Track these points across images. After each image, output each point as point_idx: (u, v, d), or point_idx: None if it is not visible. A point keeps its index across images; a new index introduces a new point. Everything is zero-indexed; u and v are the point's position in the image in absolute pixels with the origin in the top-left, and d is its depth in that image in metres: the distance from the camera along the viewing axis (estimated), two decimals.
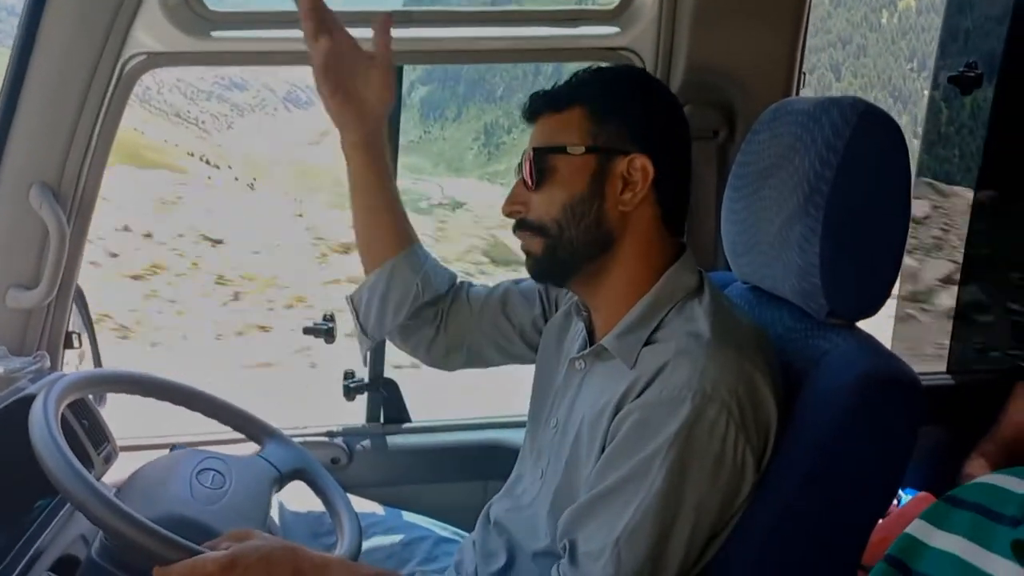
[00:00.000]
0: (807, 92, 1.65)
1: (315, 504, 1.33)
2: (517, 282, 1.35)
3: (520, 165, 1.12)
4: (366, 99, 1.20)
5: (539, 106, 1.11)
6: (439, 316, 1.33)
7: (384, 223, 1.30)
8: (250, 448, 1.35)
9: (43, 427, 1.01)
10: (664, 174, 1.07)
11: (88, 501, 0.96)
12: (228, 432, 1.35)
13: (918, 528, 0.75)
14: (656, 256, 1.09)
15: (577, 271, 1.10)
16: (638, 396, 0.99)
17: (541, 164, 1.08)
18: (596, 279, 1.10)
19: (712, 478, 0.96)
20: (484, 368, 1.39)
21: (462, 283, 1.37)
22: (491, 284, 1.38)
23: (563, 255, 1.09)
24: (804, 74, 1.60)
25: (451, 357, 1.36)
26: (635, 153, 1.06)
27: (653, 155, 1.06)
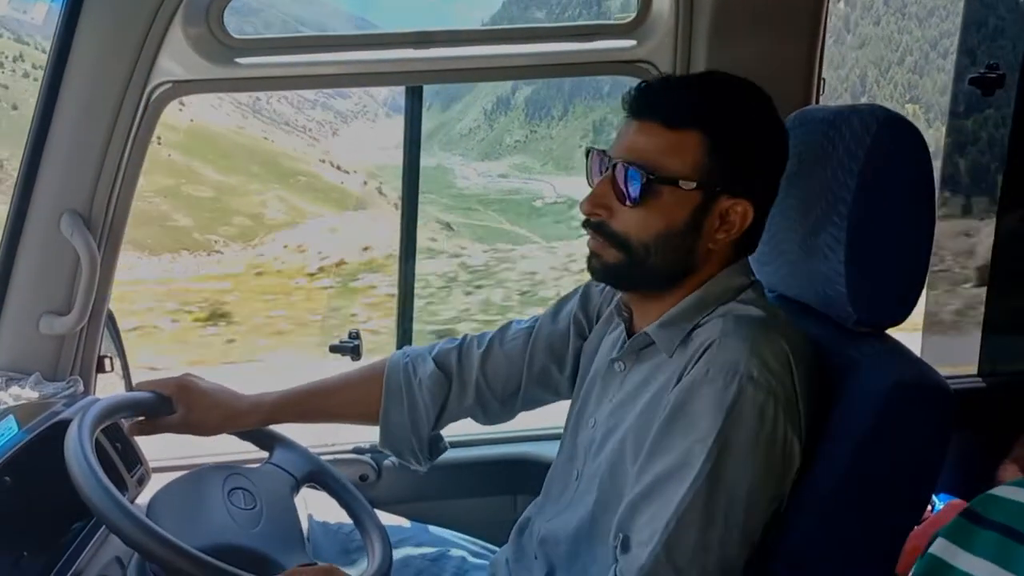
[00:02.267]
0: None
1: (344, 518, 1.34)
2: (555, 312, 1.32)
3: (610, 163, 1.04)
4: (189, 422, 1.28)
5: (650, 112, 1.02)
6: (475, 388, 1.32)
7: (343, 403, 1.35)
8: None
9: (79, 453, 1.03)
10: (758, 217, 1.05)
11: (129, 528, 0.97)
12: (252, 449, 1.36)
13: (942, 549, 0.75)
14: (711, 271, 1.08)
15: (643, 289, 1.09)
16: (682, 376, 0.99)
17: (644, 185, 1.01)
18: (655, 295, 1.09)
19: (763, 461, 0.96)
20: (538, 408, 1.38)
21: (479, 339, 1.34)
22: (520, 320, 1.36)
23: (638, 275, 1.06)
24: (823, 81, 1.60)
25: (506, 409, 1.34)
26: (740, 197, 1.02)
27: (755, 200, 1.03)
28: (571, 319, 1.29)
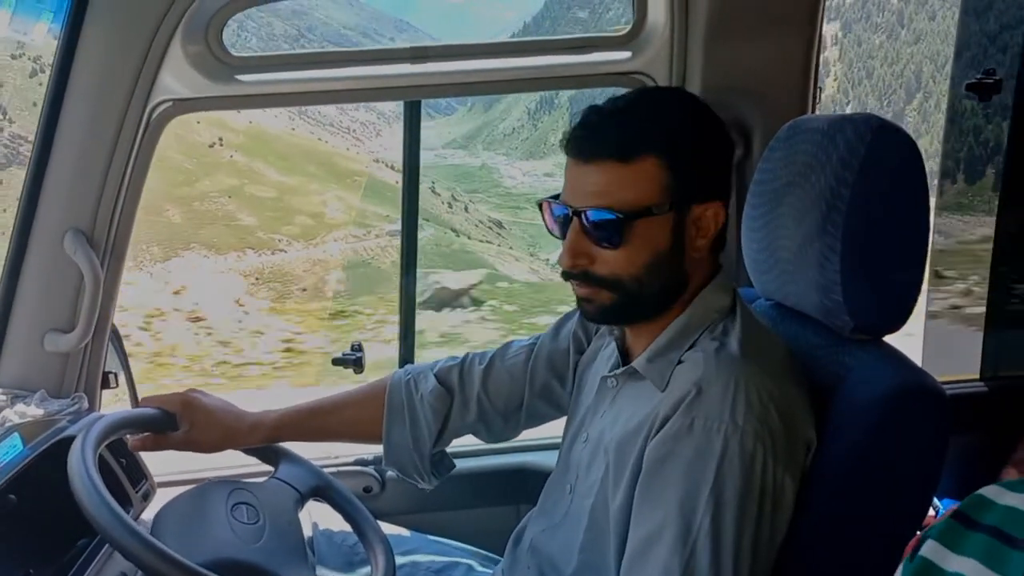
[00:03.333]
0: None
1: (348, 530, 1.35)
2: (556, 330, 1.32)
3: (572, 210, 1.02)
4: (193, 440, 1.29)
5: (600, 150, 1.00)
6: (477, 404, 1.32)
7: (345, 422, 1.36)
8: None
9: (82, 470, 1.03)
10: (727, 211, 1.06)
11: (132, 546, 0.98)
12: (258, 463, 1.37)
13: (933, 551, 0.75)
14: (704, 280, 1.08)
15: (644, 318, 1.08)
16: (665, 422, 0.98)
17: (620, 225, 0.99)
18: (654, 317, 1.08)
19: (757, 510, 0.95)
20: (543, 424, 1.38)
21: (481, 356, 1.35)
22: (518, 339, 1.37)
23: (635, 308, 1.05)
24: (820, 90, 1.60)
25: (509, 426, 1.35)
26: (708, 201, 1.03)
27: (723, 197, 1.04)
28: (571, 336, 1.30)
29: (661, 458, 0.97)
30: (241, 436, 1.31)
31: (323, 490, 1.32)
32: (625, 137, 1.00)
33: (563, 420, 1.30)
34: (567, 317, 1.32)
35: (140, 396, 1.70)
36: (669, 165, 1.00)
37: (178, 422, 1.28)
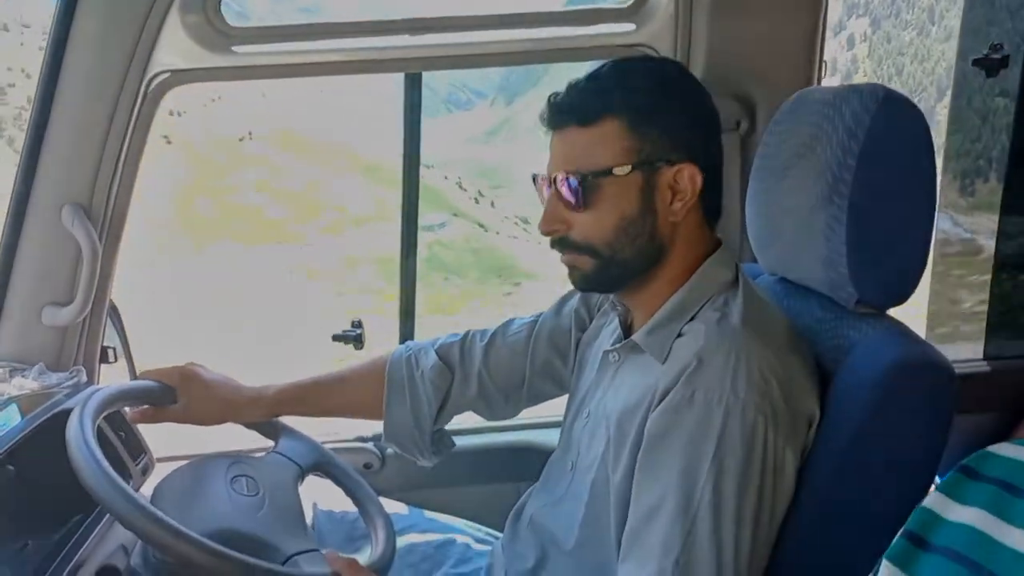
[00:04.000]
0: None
1: (349, 506, 1.35)
2: (559, 307, 1.32)
3: (550, 179, 1.05)
4: (193, 410, 1.29)
5: (564, 118, 1.03)
6: (477, 380, 1.32)
7: (345, 398, 1.35)
8: None
9: (80, 440, 1.03)
10: (708, 176, 1.04)
11: (129, 513, 0.97)
12: (258, 438, 1.36)
13: (936, 501, 0.74)
14: (697, 252, 1.07)
15: (628, 283, 1.08)
16: (666, 395, 0.97)
17: (584, 186, 1.02)
18: (643, 284, 1.08)
19: (758, 482, 0.94)
20: (545, 402, 1.38)
21: (482, 333, 1.34)
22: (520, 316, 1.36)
23: (616, 273, 1.06)
24: (825, 63, 1.59)
25: (510, 403, 1.35)
26: (680, 162, 1.02)
27: (698, 160, 1.03)
28: (573, 314, 1.29)
29: (662, 430, 0.97)
30: (240, 410, 1.31)
31: (323, 465, 1.32)
32: (586, 102, 1.02)
33: (565, 399, 1.29)
34: (570, 294, 1.32)
35: (138, 371, 1.70)
36: (630, 125, 1.01)
37: (177, 395, 1.27)
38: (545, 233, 1.07)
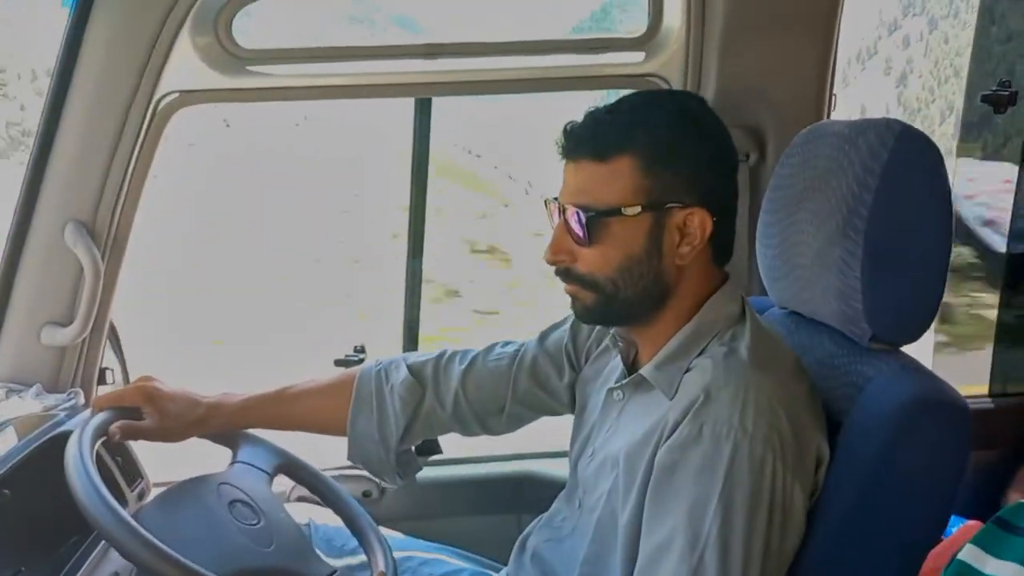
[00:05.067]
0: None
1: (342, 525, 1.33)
2: (543, 339, 1.30)
3: (560, 208, 1.04)
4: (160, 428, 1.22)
5: (580, 150, 1.02)
6: (453, 403, 1.29)
7: (310, 410, 1.31)
8: None
9: (79, 465, 1.01)
10: (720, 220, 1.03)
11: (128, 542, 0.95)
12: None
13: (971, 555, 0.73)
14: (704, 289, 1.06)
15: (630, 322, 1.07)
16: (675, 428, 0.96)
17: (591, 223, 1.01)
18: (648, 321, 1.07)
19: (767, 517, 0.93)
20: (524, 426, 1.35)
21: (461, 355, 1.31)
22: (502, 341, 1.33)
23: (618, 310, 1.05)
24: (835, 96, 1.59)
25: (487, 427, 1.32)
26: (692, 206, 1.00)
27: (709, 205, 1.01)
28: (563, 350, 1.27)
29: (670, 466, 0.95)
30: (207, 421, 1.26)
31: (286, 467, 1.30)
32: (604, 137, 1.01)
33: (564, 423, 1.28)
34: (555, 327, 1.30)
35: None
36: (645, 166, 1.00)
37: (144, 415, 1.22)
38: (550, 262, 1.06)
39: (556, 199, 1.07)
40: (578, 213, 1.01)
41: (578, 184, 1.03)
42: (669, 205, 1.00)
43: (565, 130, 1.04)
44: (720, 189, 1.04)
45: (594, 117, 1.03)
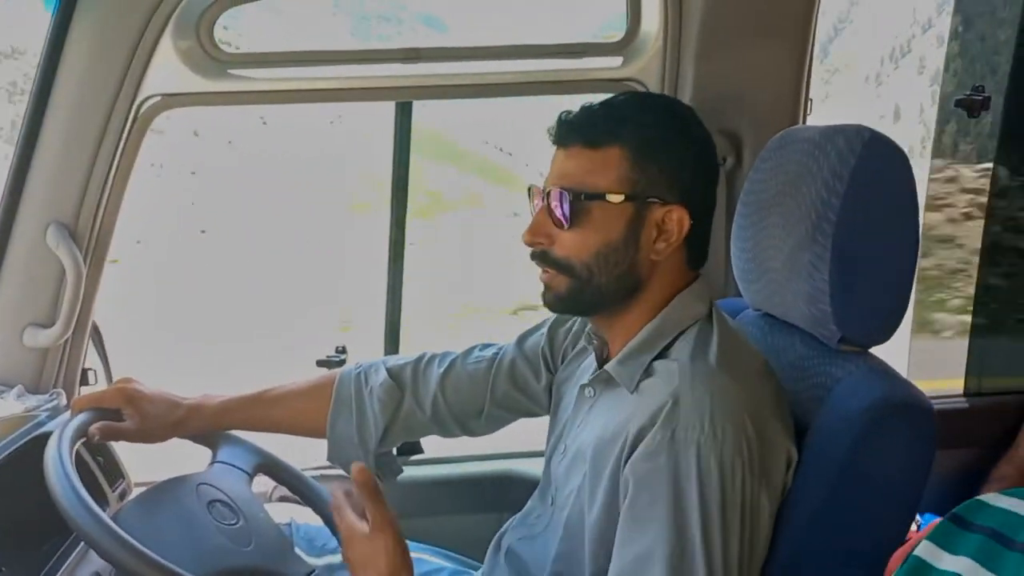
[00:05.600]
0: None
1: (323, 525, 1.35)
2: (521, 342, 1.32)
3: (544, 192, 1.06)
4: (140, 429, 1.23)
5: (572, 136, 1.05)
6: (432, 405, 1.30)
7: (290, 412, 1.32)
8: None
9: (58, 467, 1.02)
10: (696, 222, 1.05)
11: (104, 542, 0.96)
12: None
13: (926, 551, 0.75)
14: (674, 287, 1.08)
15: (599, 311, 1.09)
16: (644, 435, 0.97)
17: (575, 205, 1.03)
18: (615, 315, 1.09)
19: (739, 523, 0.94)
20: (502, 427, 1.36)
21: (440, 358, 1.32)
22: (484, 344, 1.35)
23: (589, 298, 1.06)
24: (811, 100, 1.61)
25: (467, 429, 1.34)
26: (672, 204, 1.03)
27: (689, 205, 1.04)
28: (539, 353, 1.29)
29: (644, 476, 0.96)
30: (186, 423, 1.27)
31: (266, 467, 1.31)
32: (597, 126, 1.04)
33: (545, 423, 1.29)
34: (533, 330, 1.32)
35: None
36: (633, 159, 1.02)
37: (124, 416, 1.23)
38: (528, 243, 1.08)
39: (538, 187, 1.09)
40: (563, 194, 1.03)
41: (566, 169, 1.05)
42: (651, 199, 1.03)
43: (559, 118, 1.06)
44: (701, 191, 1.07)
45: (588, 109, 1.06)
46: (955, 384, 2.01)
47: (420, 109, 1.73)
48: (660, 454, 0.95)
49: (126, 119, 1.41)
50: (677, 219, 1.03)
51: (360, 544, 1.03)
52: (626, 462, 0.98)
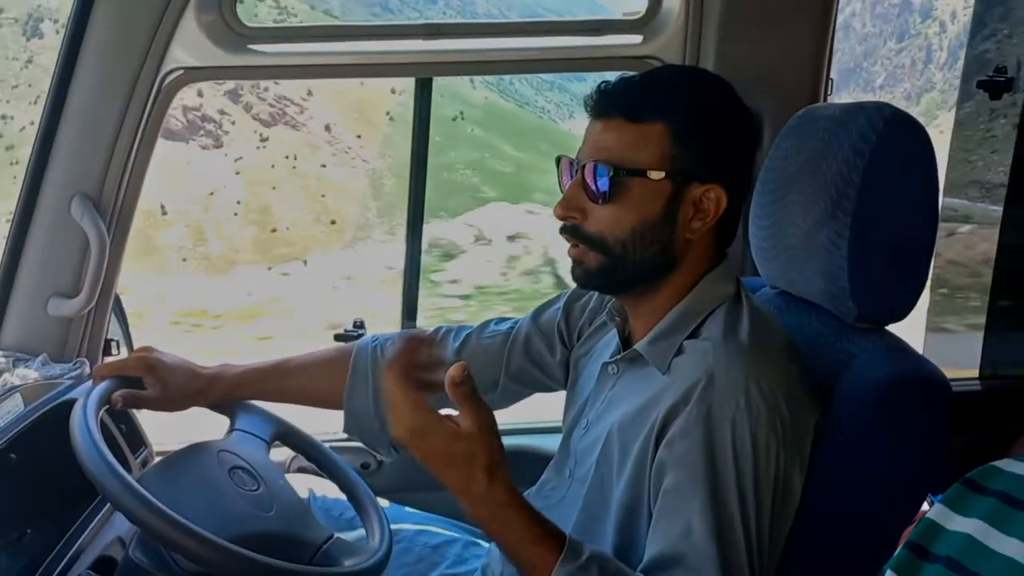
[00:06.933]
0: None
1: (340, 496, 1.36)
2: (536, 316, 1.31)
3: (579, 165, 1.04)
4: (161, 397, 1.25)
5: (613, 109, 1.02)
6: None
7: (307, 383, 1.33)
8: None
9: (84, 431, 1.04)
10: (733, 203, 1.04)
11: (131, 504, 0.98)
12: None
13: (938, 513, 0.76)
14: (703, 267, 1.07)
15: (630, 289, 1.08)
16: (678, 412, 0.97)
17: (614, 180, 1.00)
18: (645, 294, 1.08)
19: (771, 497, 0.95)
20: (516, 402, 1.36)
21: (456, 332, 1.32)
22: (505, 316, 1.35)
23: (621, 275, 1.05)
24: (832, 80, 1.60)
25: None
26: (711, 183, 1.01)
27: (728, 186, 1.02)
28: (555, 328, 1.29)
29: (680, 455, 0.96)
30: (207, 392, 1.29)
31: (283, 435, 1.32)
32: (639, 99, 1.02)
33: (559, 403, 1.30)
34: (548, 304, 1.32)
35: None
36: (676, 135, 1.00)
37: (145, 385, 1.25)
38: (560, 218, 1.06)
39: (571, 157, 1.07)
40: (599, 168, 1.01)
41: (605, 141, 1.02)
42: (691, 177, 1.01)
43: (599, 88, 1.04)
44: (741, 171, 1.06)
45: (630, 81, 1.04)
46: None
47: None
48: (696, 430, 0.95)
49: (149, 92, 1.43)
50: (715, 198, 1.02)
51: (451, 443, 0.98)
52: (657, 440, 0.98)
